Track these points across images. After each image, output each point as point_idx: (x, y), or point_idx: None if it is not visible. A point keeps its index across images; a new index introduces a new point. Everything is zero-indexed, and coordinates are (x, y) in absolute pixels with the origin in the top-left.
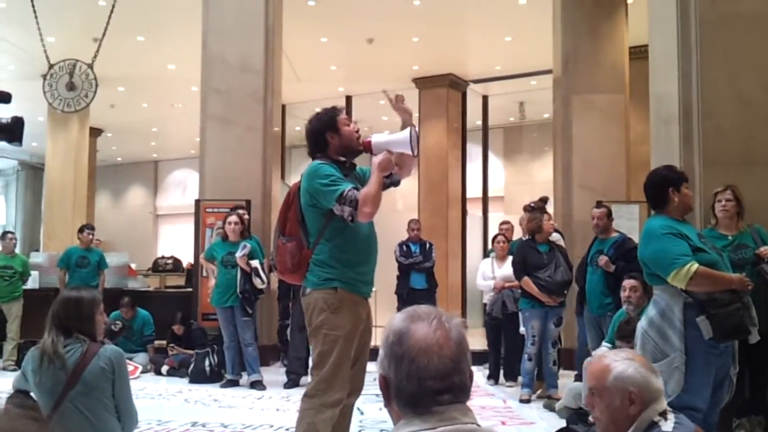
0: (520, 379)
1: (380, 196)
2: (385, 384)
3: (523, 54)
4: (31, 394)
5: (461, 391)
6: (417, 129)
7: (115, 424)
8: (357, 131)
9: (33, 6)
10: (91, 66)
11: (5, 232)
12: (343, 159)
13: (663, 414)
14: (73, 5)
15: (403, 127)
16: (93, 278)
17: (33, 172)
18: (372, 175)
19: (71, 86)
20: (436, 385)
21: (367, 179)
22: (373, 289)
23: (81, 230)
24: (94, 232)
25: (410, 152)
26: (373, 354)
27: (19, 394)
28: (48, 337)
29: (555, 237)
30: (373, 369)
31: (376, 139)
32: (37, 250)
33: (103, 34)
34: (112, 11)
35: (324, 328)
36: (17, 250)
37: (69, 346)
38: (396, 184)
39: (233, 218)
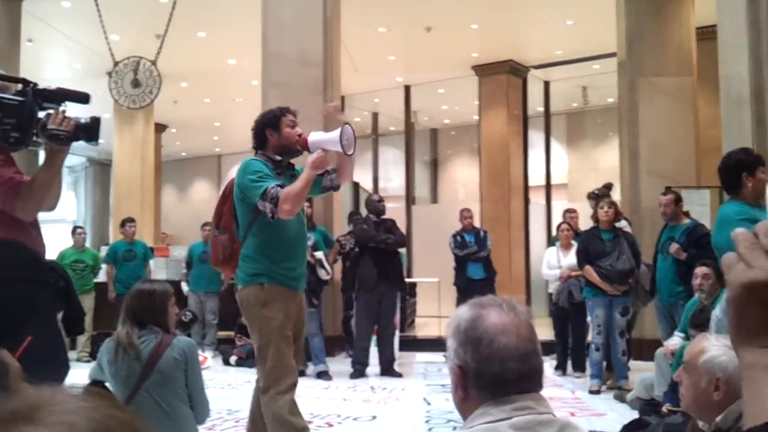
0: (588, 369)
1: (304, 195)
2: (461, 372)
3: (585, 37)
4: (106, 384)
5: (540, 376)
6: (352, 128)
7: (188, 413)
8: (299, 135)
9: (97, 5)
10: (154, 62)
11: (75, 227)
12: (279, 158)
13: None
14: (135, 3)
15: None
16: (140, 270)
17: (101, 168)
18: (302, 173)
19: (136, 83)
20: (519, 367)
21: None
22: (436, 280)
23: (122, 224)
24: (135, 225)
25: (342, 150)
26: (434, 345)
27: (95, 384)
28: (122, 329)
29: (622, 224)
30: (430, 359)
31: (312, 137)
32: (107, 244)
33: (166, 31)
34: (173, 8)
35: (258, 323)
36: (87, 245)
37: (143, 337)
38: (336, 188)
39: None
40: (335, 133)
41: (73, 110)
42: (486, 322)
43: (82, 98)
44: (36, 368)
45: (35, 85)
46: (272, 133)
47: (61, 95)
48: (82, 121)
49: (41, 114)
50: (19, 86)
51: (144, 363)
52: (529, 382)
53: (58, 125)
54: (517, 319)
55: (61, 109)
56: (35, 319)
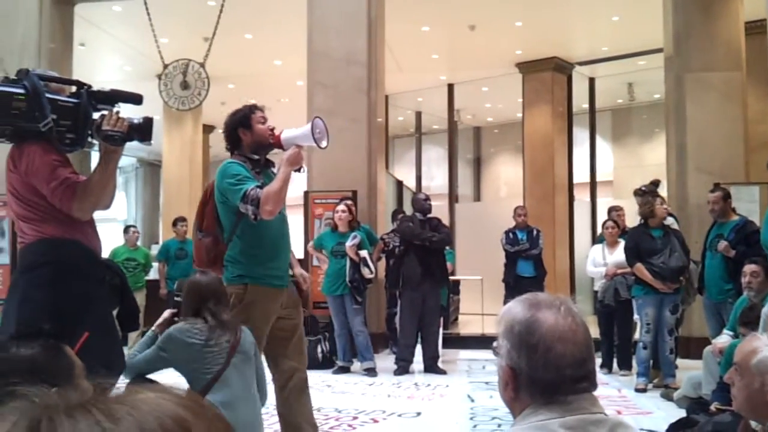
0: (634, 367)
1: (284, 194)
2: (513, 374)
3: (631, 33)
4: (149, 375)
5: (594, 377)
6: (323, 120)
7: (257, 394)
8: (272, 129)
9: (147, 8)
10: (203, 65)
11: (128, 226)
12: (256, 157)
13: None
14: (184, 6)
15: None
16: (191, 268)
17: (151, 168)
18: (279, 171)
19: (185, 85)
20: (575, 373)
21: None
22: (479, 277)
23: (174, 224)
24: (187, 224)
25: (314, 144)
26: (477, 342)
27: (139, 379)
28: (207, 312)
29: (669, 221)
30: (474, 357)
31: (285, 134)
32: (157, 243)
33: (213, 34)
34: (221, 11)
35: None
36: (139, 243)
37: None
38: None
39: (341, 207)
40: (307, 128)
41: (125, 111)
42: (543, 328)
43: (136, 99)
44: (93, 363)
45: (89, 87)
46: (245, 131)
47: (115, 97)
48: (135, 121)
49: (95, 115)
50: (74, 88)
51: (231, 342)
52: (583, 383)
53: (112, 126)
54: (575, 324)
55: (115, 110)
56: (92, 315)
